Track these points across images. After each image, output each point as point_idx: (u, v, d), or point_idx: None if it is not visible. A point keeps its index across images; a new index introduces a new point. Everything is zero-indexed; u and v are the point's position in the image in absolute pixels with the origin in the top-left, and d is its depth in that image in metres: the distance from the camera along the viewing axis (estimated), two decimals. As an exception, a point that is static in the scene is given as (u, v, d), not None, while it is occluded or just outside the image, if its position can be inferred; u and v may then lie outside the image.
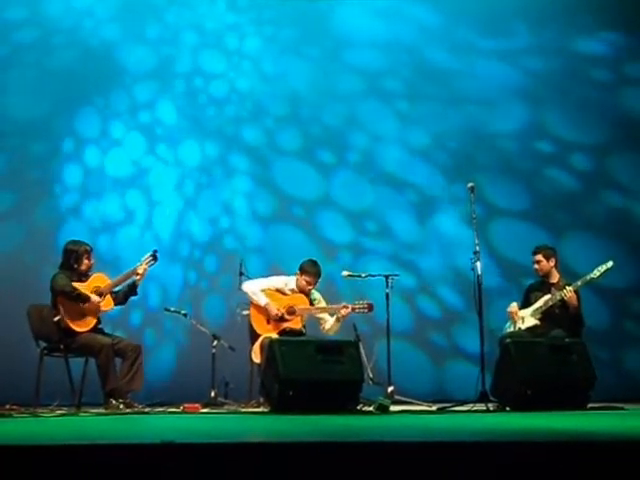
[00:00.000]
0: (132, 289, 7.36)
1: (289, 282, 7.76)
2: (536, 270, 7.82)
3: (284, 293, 7.72)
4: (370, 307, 7.60)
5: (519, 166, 9.68)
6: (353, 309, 7.56)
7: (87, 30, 9.38)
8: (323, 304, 7.74)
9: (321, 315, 7.75)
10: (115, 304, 7.34)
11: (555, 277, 7.78)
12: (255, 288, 7.68)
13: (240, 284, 7.87)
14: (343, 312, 7.54)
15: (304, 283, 7.66)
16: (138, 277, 7.28)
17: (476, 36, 9.80)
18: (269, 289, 7.68)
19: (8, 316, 8.05)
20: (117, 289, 7.35)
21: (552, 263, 7.77)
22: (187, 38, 9.67)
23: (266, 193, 9.48)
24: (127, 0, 9.59)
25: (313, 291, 7.74)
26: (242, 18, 9.79)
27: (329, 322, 7.68)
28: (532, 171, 9.65)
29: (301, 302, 7.65)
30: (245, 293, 7.72)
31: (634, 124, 9.67)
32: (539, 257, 7.78)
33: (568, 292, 7.48)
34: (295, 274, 7.75)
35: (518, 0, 9.93)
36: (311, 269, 7.68)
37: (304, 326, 7.70)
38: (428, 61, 9.81)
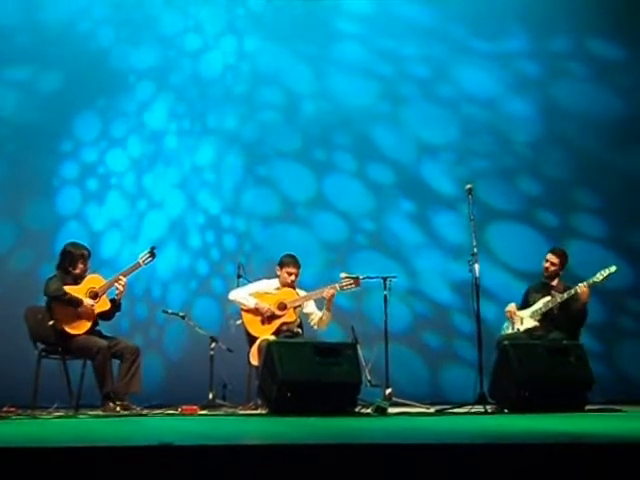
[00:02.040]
0: (114, 304, 7.25)
1: (272, 283, 7.75)
2: (545, 268, 7.79)
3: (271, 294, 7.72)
4: (357, 281, 7.56)
5: (517, 167, 9.69)
6: (341, 287, 7.53)
7: (86, 32, 9.37)
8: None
9: (308, 310, 7.73)
10: (108, 310, 7.24)
11: (556, 280, 7.77)
12: (242, 293, 7.70)
13: (237, 287, 7.90)
14: (332, 292, 7.49)
15: (286, 275, 7.65)
16: (118, 292, 7.21)
17: (473, 37, 9.81)
18: (257, 293, 7.67)
19: (6, 318, 8.04)
20: (113, 296, 7.27)
21: (562, 271, 7.77)
22: (184, 39, 9.67)
23: (264, 194, 9.47)
24: (125, 1, 9.60)
25: (298, 290, 7.73)
26: (239, 18, 9.78)
27: (318, 314, 7.66)
28: (531, 172, 9.67)
29: (289, 296, 7.63)
30: (232, 301, 7.72)
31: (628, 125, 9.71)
32: (554, 259, 7.75)
33: (581, 287, 7.45)
34: (276, 274, 7.75)
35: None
36: (289, 259, 7.68)
37: (300, 325, 7.69)
38: (425, 62, 9.82)
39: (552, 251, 7.86)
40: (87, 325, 7.09)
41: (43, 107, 9.09)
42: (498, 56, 9.85)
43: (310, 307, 7.75)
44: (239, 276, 8.10)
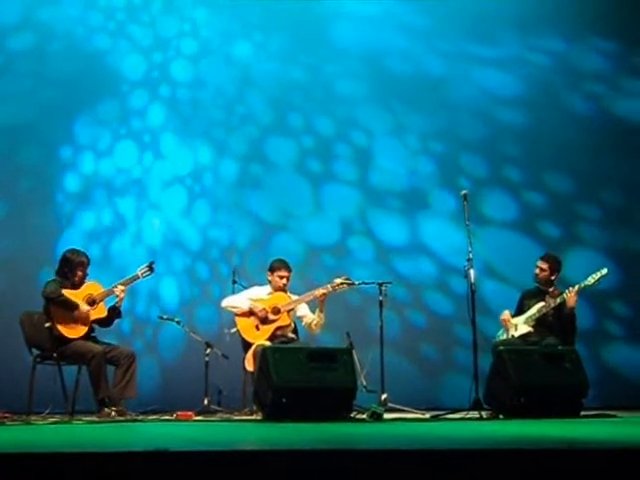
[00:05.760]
0: (114, 311, 7.27)
1: (264, 289, 7.74)
2: (535, 275, 7.81)
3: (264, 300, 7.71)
4: (350, 281, 7.57)
5: (511, 174, 9.71)
6: (333, 287, 7.52)
7: (80, 38, 9.38)
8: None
9: (301, 313, 7.71)
10: (105, 317, 7.26)
11: (552, 287, 7.78)
12: (234, 299, 7.70)
13: (232, 293, 7.89)
14: (323, 292, 7.47)
15: (278, 279, 7.64)
16: (118, 299, 7.22)
17: (467, 43, 9.82)
18: (249, 299, 7.65)
19: (1, 324, 8.03)
20: (113, 302, 7.28)
21: (554, 277, 7.78)
22: (179, 45, 9.68)
23: (258, 201, 9.48)
24: (119, 7, 9.61)
25: (290, 294, 7.72)
26: (233, 25, 9.79)
27: (311, 317, 7.64)
28: (524, 179, 9.69)
29: (282, 300, 7.62)
30: (225, 308, 7.71)
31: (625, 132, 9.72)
32: (545, 266, 7.76)
33: (570, 292, 7.47)
34: (267, 280, 7.73)
35: (508, 7, 9.98)
36: (280, 263, 7.67)
37: (295, 331, 7.68)
38: (418, 68, 9.83)
39: (541, 257, 7.88)
40: (82, 330, 7.09)
41: (40, 111, 9.08)
42: (496, 61, 9.86)
43: (303, 310, 7.73)
44: (234, 282, 8.10)
